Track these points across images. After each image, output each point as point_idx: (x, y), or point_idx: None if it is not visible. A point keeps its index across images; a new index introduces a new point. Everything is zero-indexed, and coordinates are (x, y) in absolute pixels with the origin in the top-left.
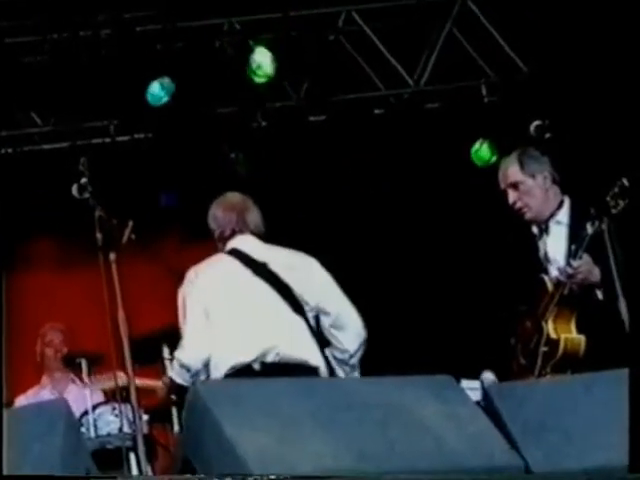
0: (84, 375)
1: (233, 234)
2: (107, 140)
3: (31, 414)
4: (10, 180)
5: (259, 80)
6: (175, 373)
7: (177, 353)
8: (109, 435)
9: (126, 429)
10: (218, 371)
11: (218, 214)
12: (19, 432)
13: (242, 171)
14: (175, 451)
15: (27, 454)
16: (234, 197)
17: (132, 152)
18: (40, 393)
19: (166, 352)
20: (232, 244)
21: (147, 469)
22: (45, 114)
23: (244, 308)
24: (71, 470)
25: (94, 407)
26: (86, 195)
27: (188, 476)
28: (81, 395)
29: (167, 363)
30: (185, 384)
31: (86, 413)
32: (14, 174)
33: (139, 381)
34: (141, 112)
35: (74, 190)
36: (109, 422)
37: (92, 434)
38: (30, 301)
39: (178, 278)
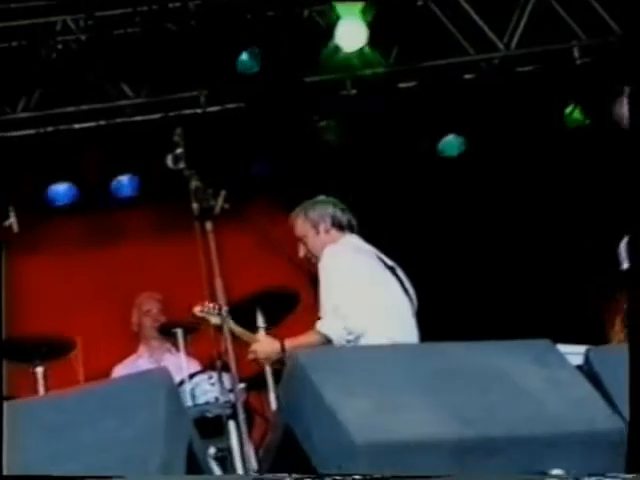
0: (181, 344)
1: (349, 228)
2: (198, 111)
3: (133, 383)
4: (102, 151)
5: (348, 48)
6: (336, 335)
7: (343, 319)
8: (208, 403)
9: (222, 398)
10: None
11: (332, 208)
12: (122, 401)
13: (332, 139)
14: (273, 419)
15: (130, 423)
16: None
17: (223, 122)
18: (137, 362)
19: (260, 319)
20: (350, 240)
21: (246, 436)
22: (136, 86)
23: (391, 300)
24: (174, 438)
25: (191, 376)
26: (181, 165)
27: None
28: (177, 364)
29: (261, 331)
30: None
31: (183, 382)
32: (107, 145)
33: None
34: (231, 82)
35: (169, 161)
36: (206, 391)
37: (190, 403)
38: (126, 271)
39: (270, 246)
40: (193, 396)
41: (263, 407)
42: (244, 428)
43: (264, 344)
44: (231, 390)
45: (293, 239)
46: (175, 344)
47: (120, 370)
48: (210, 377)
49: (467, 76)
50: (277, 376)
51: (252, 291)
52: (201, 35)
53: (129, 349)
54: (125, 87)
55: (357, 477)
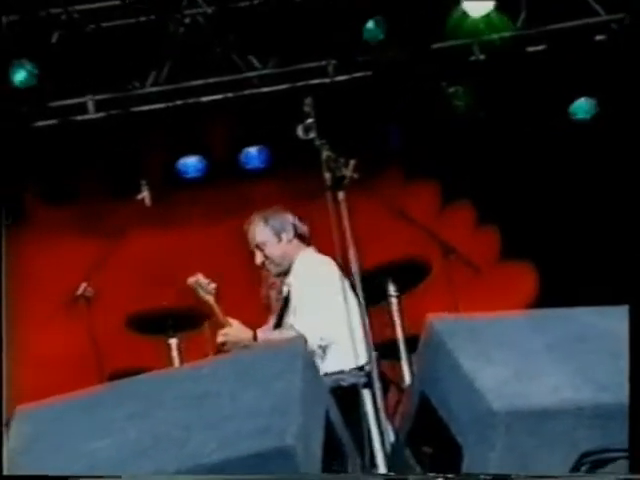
0: None
1: (304, 241)
2: (326, 80)
3: (270, 353)
4: (231, 123)
5: (475, 13)
6: (311, 338)
7: (320, 325)
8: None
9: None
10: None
11: (292, 217)
12: (258, 371)
13: (461, 106)
14: (409, 387)
15: (268, 393)
16: None
17: (351, 91)
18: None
19: (391, 288)
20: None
21: (381, 405)
22: (264, 57)
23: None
24: (311, 407)
25: None
26: (312, 135)
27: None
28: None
29: (393, 300)
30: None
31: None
32: (235, 117)
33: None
34: (359, 51)
35: (299, 131)
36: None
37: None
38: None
39: (399, 215)
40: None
41: (396, 375)
42: (379, 396)
43: (237, 330)
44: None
45: (424, 208)
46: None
47: None
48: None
49: (598, 37)
50: (409, 344)
51: (383, 260)
52: (327, 4)
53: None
54: (252, 59)
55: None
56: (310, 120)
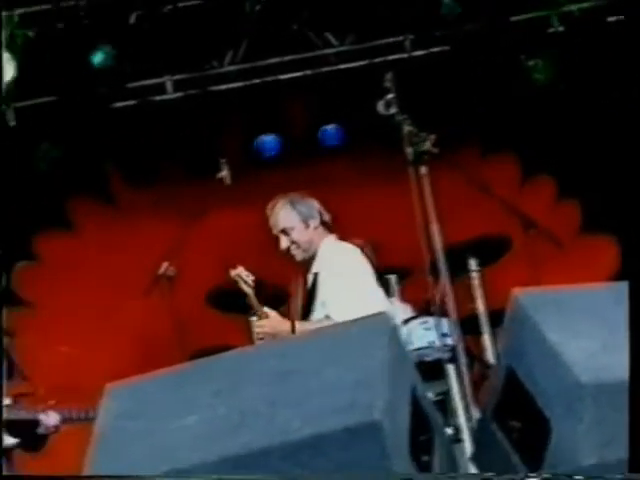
0: (394, 290)
1: (329, 229)
2: (404, 56)
3: (355, 328)
4: (308, 101)
5: None
6: None
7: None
8: (428, 347)
9: (438, 342)
10: None
11: (317, 203)
12: (344, 347)
13: (540, 79)
14: (495, 361)
15: (354, 368)
16: None
17: (429, 66)
18: None
19: (473, 264)
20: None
21: (467, 380)
22: (340, 34)
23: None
24: (397, 382)
25: (405, 322)
26: (393, 111)
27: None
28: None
29: (474, 275)
30: None
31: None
32: (312, 95)
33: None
34: (436, 25)
35: (380, 107)
36: (420, 336)
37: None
38: (334, 220)
39: (480, 190)
40: (409, 341)
41: (478, 350)
42: (465, 371)
43: (274, 321)
44: (445, 335)
45: (505, 182)
46: (388, 290)
47: None
48: (425, 322)
49: None
50: (491, 319)
51: (464, 235)
52: None
53: None
54: (329, 35)
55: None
56: (391, 95)
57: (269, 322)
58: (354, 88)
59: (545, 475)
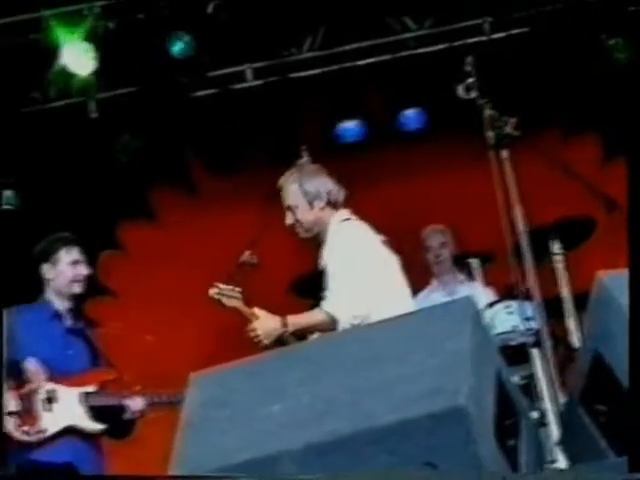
0: (477, 274)
1: (341, 204)
2: (483, 38)
3: (437, 314)
4: (388, 86)
5: None
6: (343, 317)
7: (352, 302)
8: (512, 331)
9: (522, 326)
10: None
11: (329, 182)
12: (427, 332)
13: (621, 58)
14: (581, 344)
15: (437, 354)
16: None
17: (509, 48)
18: (430, 296)
19: (556, 247)
20: (346, 214)
21: (552, 364)
22: (419, 18)
23: (394, 278)
24: (482, 367)
25: (488, 306)
26: (473, 95)
27: None
28: (473, 295)
29: (558, 257)
30: None
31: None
32: (392, 80)
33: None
34: (515, 7)
35: (460, 90)
36: (504, 320)
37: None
38: (415, 205)
39: (562, 172)
40: (492, 325)
41: (562, 333)
42: (550, 354)
43: (264, 321)
44: (529, 318)
45: (587, 164)
46: (470, 274)
47: (415, 304)
48: (508, 306)
49: None
50: (576, 302)
51: (547, 218)
52: None
53: (421, 282)
54: (407, 20)
55: None
56: (471, 79)
57: (259, 323)
58: (433, 72)
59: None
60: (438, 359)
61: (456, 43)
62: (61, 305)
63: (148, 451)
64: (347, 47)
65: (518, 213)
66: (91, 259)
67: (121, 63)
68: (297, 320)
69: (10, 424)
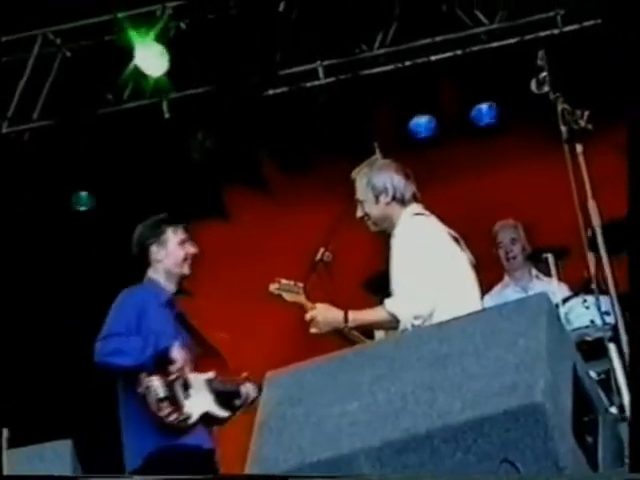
0: (551, 269)
1: (411, 200)
2: (555, 32)
3: (513, 310)
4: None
5: None
6: (404, 318)
7: (414, 304)
8: (588, 326)
9: (598, 321)
10: None
11: (398, 178)
12: (503, 329)
13: None
14: None
15: (513, 350)
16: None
17: (582, 41)
18: (504, 291)
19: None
20: (417, 209)
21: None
22: (490, 12)
23: (462, 276)
24: (558, 362)
25: (564, 301)
26: (545, 89)
27: None
28: (547, 290)
29: None
30: None
31: (556, 307)
32: (464, 75)
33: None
34: None
35: (533, 85)
36: (580, 315)
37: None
38: (488, 200)
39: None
40: (567, 320)
41: None
42: (627, 350)
43: (325, 311)
44: (606, 313)
45: None
46: (544, 269)
47: (488, 301)
48: (584, 300)
49: None
50: None
51: (623, 212)
52: None
53: (492, 279)
54: (479, 14)
55: None
56: (543, 74)
57: (319, 311)
58: (506, 66)
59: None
60: (514, 355)
61: (528, 37)
62: (169, 287)
63: (227, 448)
64: (418, 43)
65: (593, 207)
66: None
67: (193, 63)
68: (358, 316)
69: (163, 411)
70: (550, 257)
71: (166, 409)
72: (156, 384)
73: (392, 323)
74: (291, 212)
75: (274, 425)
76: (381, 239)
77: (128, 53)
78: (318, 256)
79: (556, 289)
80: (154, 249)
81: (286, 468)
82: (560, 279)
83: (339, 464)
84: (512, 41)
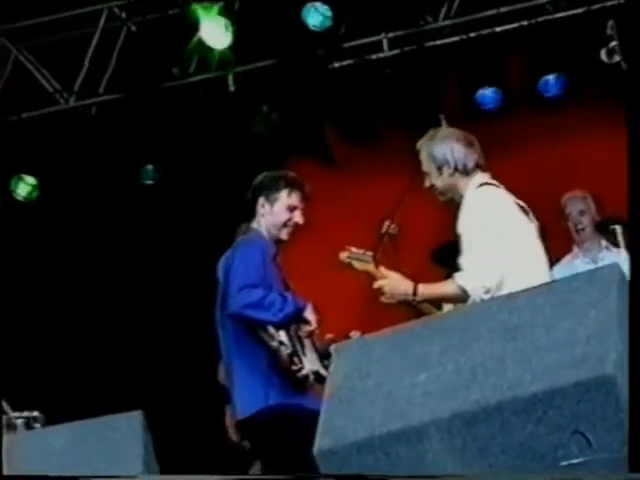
0: (620, 241)
1: (475, 169)
2: (622, 1)
3: (583, 281)
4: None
5: None
6: (474, 291)
7: (484, 276)
8: None
9: None
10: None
11: (459, 147)
12: (573, 300)
13: None
14: None
15: (583, 322)
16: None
17: None
18: (573, 262)
19: None
20: (483, 179)
21: None
22: None
23: (531, 244)
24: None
25: None
26: (616, 58)
27: None
28: (617, 261)
29: None
30: None
31: None
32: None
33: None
34: None
35: (603, 55)
36: None
37: None
38: (557, 172)
39: None
40: None
41: None
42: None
43: (395, 281)
44: None
45: None
46: (613, 241)
47: (557, 272)
48: None
49: None
50: None
51: None
52: None
53: (561, 250)
54: None
55: None
56: (614, 43)
57: (388, 281)
58: (573, 37)
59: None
60: (585, 327)
61: (594, 7)
62: (271, 245)
63: None
64: (483, 14)
65: None
66: (230, 231)
67: (258, 36)
68: (427, 290)
69: (296, 365)
70: (618, 228)
71: (298, 364)
72: (285, 339)
73: (461, 297)
74: (357, 184)
75: (344, 396)
76: (447, 210)
77: (193, 27)
78: (384, 228)
79: (626, 260)
80: (261, 201)
81: (355, 439)
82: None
83: (409, 435)
84: (579, 11)
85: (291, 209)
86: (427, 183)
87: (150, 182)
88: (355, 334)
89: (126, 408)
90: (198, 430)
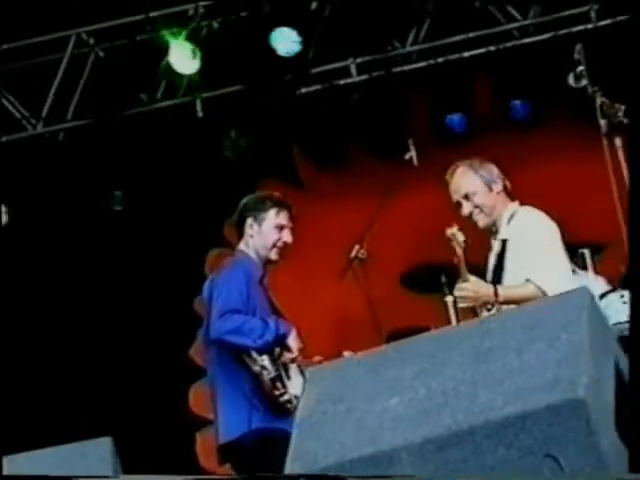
0: (588, 265)
1: (508, 194)
2: (589, 26)
3: (553, 305)
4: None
5: None
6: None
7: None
8: (627, 322)
9: None
10: None
11: (496, 169)
12: (544, 324)
13: None
14: None
15: (554, 345)
16: None
17: (615, 35)
18: None
19: None
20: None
21: None
22: (523, 8)
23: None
24: (600, 357)
25: (601, 296)
26: (583, 83)
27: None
28: (585, 285)
29: None
30: None
31: None
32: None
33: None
34: None
35: (570, 79)
36: (618, 311)
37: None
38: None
39: None
40: (606, 316)
41: None
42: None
43: (478, 284)
44: None
45: None
46: (581, 264)
47: None
48: (622, 295)
49: None
50: None
51: None
52: None
53: None
54: (512, 10)
55: None
56: (581, 67)
57: (471, 285)
58: (540, 61)
59: None
60: (556, 350)
61: (561, 32)
62: (259, 264)
63: None
64: (451, 39)
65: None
66: (199, 257)
67: (226, 62)
68: (508, 292)
69: (278, 390)
70: (586, 252)
71: (281, 389)
72: (268, 364)
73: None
74: (326, 208)
75: (315, 421)
76: (418, 234)
77: (161, 52)
78: (353, 253)
79: (594, 284)
80: (249, 222)
81: (326, 464)
82: (596, 273)
83: (380, 460)
84: (545, 37)
85: (280, 228)
86: (467, 208)
87: (119, 208)
88: (348, 354)
89: (95, 434)
90: (168, 456)
